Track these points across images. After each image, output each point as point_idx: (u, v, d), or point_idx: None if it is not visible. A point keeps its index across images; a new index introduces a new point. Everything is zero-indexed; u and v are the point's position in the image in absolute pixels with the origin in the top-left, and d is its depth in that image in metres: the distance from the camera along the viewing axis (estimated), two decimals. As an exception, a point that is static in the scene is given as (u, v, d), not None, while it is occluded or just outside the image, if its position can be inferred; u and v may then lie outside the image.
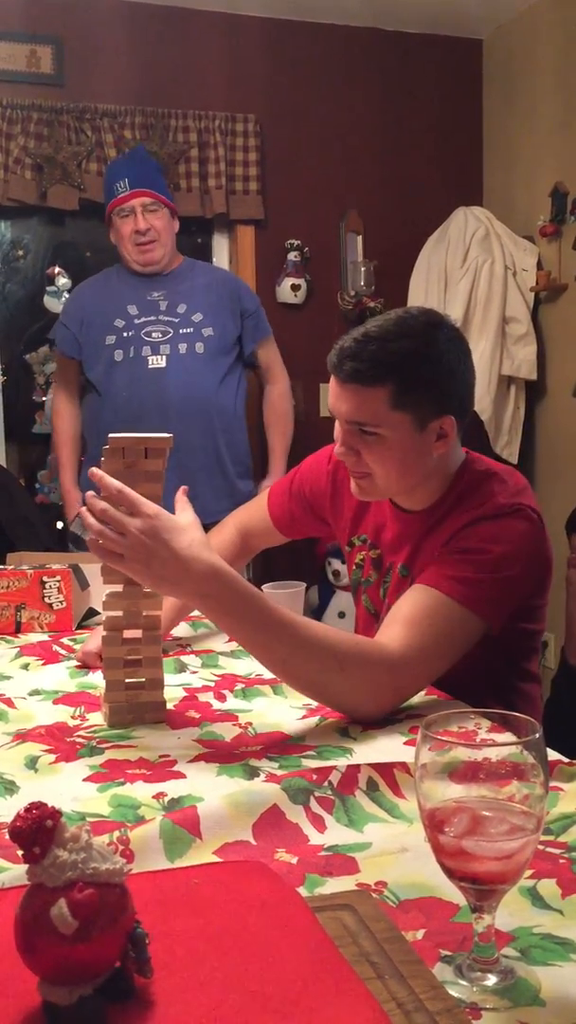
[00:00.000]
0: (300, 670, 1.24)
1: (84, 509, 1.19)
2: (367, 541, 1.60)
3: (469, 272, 3.68)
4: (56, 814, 0.59)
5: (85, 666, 1.56)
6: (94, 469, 1.21)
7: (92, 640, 1.57)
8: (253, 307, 3.03)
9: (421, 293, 3.86)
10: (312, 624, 1.25)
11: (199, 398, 2.84)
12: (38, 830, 0.58)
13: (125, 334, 2.85)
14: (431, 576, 1.34)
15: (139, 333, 2.85)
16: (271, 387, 3.14)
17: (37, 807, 0.59)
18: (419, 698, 1.34)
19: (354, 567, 1.65)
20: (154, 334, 2.85)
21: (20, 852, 0.59)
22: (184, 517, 1.20)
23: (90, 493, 1.19)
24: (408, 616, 1.30)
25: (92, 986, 0.59)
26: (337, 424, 1.42)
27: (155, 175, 2.98)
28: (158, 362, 2.82)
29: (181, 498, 1.25)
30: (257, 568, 3.21)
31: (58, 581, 1.81)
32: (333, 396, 1.40)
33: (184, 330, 2.86)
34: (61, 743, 1.21)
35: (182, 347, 2.84)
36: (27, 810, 0.59)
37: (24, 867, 0.59)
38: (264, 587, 1.81)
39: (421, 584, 1.34)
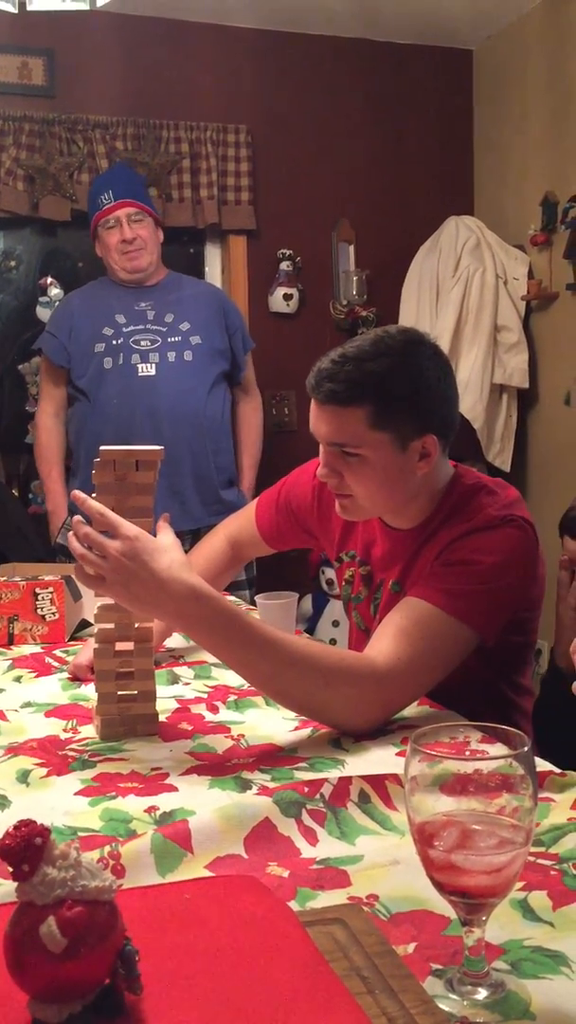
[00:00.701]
0: (286, 687, 1.23)
1: (76, 518, 1.19)
2: (356, 557, 1.60)
3: (461, 281, 3.70)
4: (45, 832, 0.59)
5: (77, 679, 1.56)
6: (77, 492, 1.21)
7: (84, 653, 1.57)
8: (239, 321, 3.07)
9: (413, 302, 3.87)
10: (296, 641, 1.25)
11: (189, 406, 2.85)
12: (27, 848, 0.58)
13: (114, 342, 2.86)
14: (422, 589, 1.34)
15: (128, 341, 2.86)
16: (245, 405, 3.15)
17: (26, 825, 0.59)
18: (411, 709, 1.34)
19: (344, 583, 1.65)
20: (143, 342, 2.86)
21: (9, 870, 0.59)
22: (164, 539, 1.20)
23: (76, 518, 1.19)
24: (398, 629, 1.30)
25: (82, 1004, 0.59)
26: (320, 446, 1.41)
27: (138, 187, 3.01)
28: (148, 370, 2.83)
29: (162, 524, 1.24)
30: (260, 572, 3.19)
31: (51, 592, 1.80)
32: (313, 418, 1.39)
33: (172, 339, 2.87)
34: (53, 756, 1.21)
35: (171, 355, 2.85)
36: (16, 828, 0.59)
37: (13, 885, 0.59)
38: (257, 598, 1.81)
39: (412, 597, 1.34)
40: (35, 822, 0.59)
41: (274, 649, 1.20)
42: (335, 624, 3.76)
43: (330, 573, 3.71)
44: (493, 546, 1.35)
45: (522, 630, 1.48)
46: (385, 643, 1.28)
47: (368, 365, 1.33)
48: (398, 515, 1.47)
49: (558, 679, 1.47)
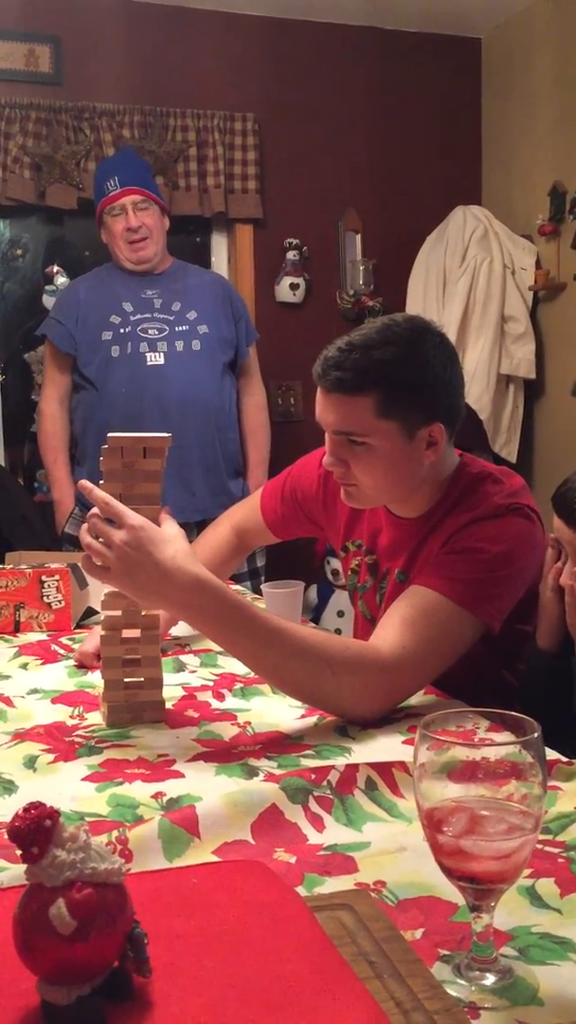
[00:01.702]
0: (291, 676, 1.23)
1: (93, 510, 1.19)
2: (362, 546, 1.59)
3: (468, 271, 3.68)
4: (55, 814, 0.59)
5: (83, 666, 1.56)
6: (83, 481, 1.21)
7: (90, 640, 1.57)
8: (244, 311, 3.07)
9: (420, 292, 3.86)
10: (301, 630, 1.25)
11: (198, 395, 2.84)
12: (36, 830, 0.58)
13: (122, 330, 2.85)
14: (428, 577, 1.33)
15: (135, 330, 2.85)
16: (249, 398, 3.12)
17: (36, 807, 0.59)
18: (418, 697, 1.34)
19: (350, 572, 1.64)
20: (151, 331, 2.85)
21: (19, 852, 0.59)
22: (169, 529, 1.19)
23: (93, 511, 1.19)
24: (403, 618, 1.29)
25: (90, 986, 0.59)
26: (326, 435, 1.41)
27: (145, 173, 2.99)
28: (156, 359, 2.83)
29: (165, 516, 1.23)
30: (269, 564, 3.18)
31: (57, 580, 1.80)
32: (320, 407, 1.39)
33: (180, 327, 2.86)
34: (60, 742, 1.21)
35: (179, 344, 2.85)
36: (25, 810, 0.59)
37: (23, 867, 0.59)
38: (263, 586, 1.81)
39: (417, 585, 1.34)
40: (44, 804, 0.60)
41: (279, 638, 1.20)
42: (340, 614, 3.76)
43: (336, 563, 3.71)
44: (498, 534, 1.35)
45: (526, 617, 1.47)
46: (391, 632, 1.28)
47: (375, 353, 1.33)
48: (404, 504, 1.47)
49: (539, 661, 1.47)
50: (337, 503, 1.59)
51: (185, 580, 1.15)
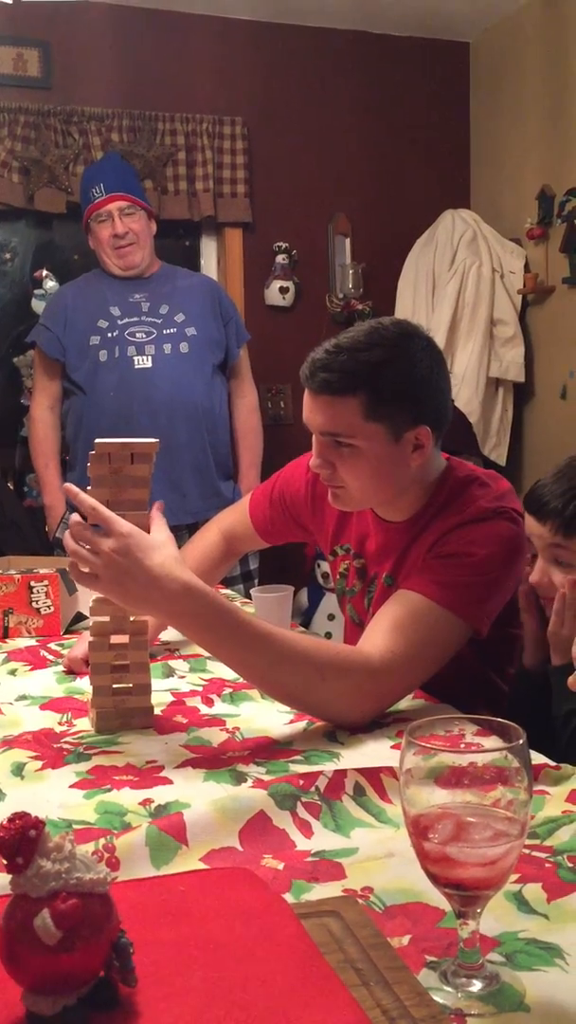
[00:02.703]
0: (281, 682, 1.23)
1: (74, 516, 1.19)
2: (350, 551, 1.59)
3: (457, 275, 3.69)
4: (39, 824, 0.59)
5: (72, 672, 1.56)
6: (68, 485, 1.21)
7: (79, 646, 1.57)
8: (233, 312, 3.05)
9: (409, 296, 3.87)
10: (290, 635, 1.25)
11: (186, 398, 2.84)
12: (21, 840, 0.58)
13: (109, 334, 2.84)
14: (415, 582, 1.34)
15: (123, 334, 2.85)
16: (240, 401, 3.11)
17: (20, 817, 0.59)
18: (406, 702, 1.34)
19: (338, 576, 1.64)
20: (138, 335, 2.85)
21: (3, 862, 0.59)
22: (158, 535, 1.19)
23: (74, 517, 1.19)
24: (391, 622, 1.29)
25: (76, 996, 0.59)
26: (314, 437, 1.41)
27: (130, 179, 2.98)
28: (144, 362, 2.83)
29: (156, 515, 1.23)
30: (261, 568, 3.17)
31: (46, 586, 1.80)
32: (307, 408, 1.39)
33: (167, 330, 2.86)
34: (48, 749, 1.21)
35: (167, 347, 2.84)
36: (10, 820, 0.59)
37: (7, 877, 0.59)
38: (252, 591, 1.81)
39: (405, 590, 1.34)
40: (29, 814, 0.59)
41: (267, 644, 1.20)
42: (331, 618, 3.76)
43: (326, 567, 3.71)
44: (485, 538, 1.35)
45: (514, 621, 1.48)
46: (379, 636, 1.28)
47: (362, 355, 1.33)
48: (390, 507, 1.47)
49: (525, 679, 1.47)
50: (325, 507, 1.59)
51: (174, 587, 1.15)
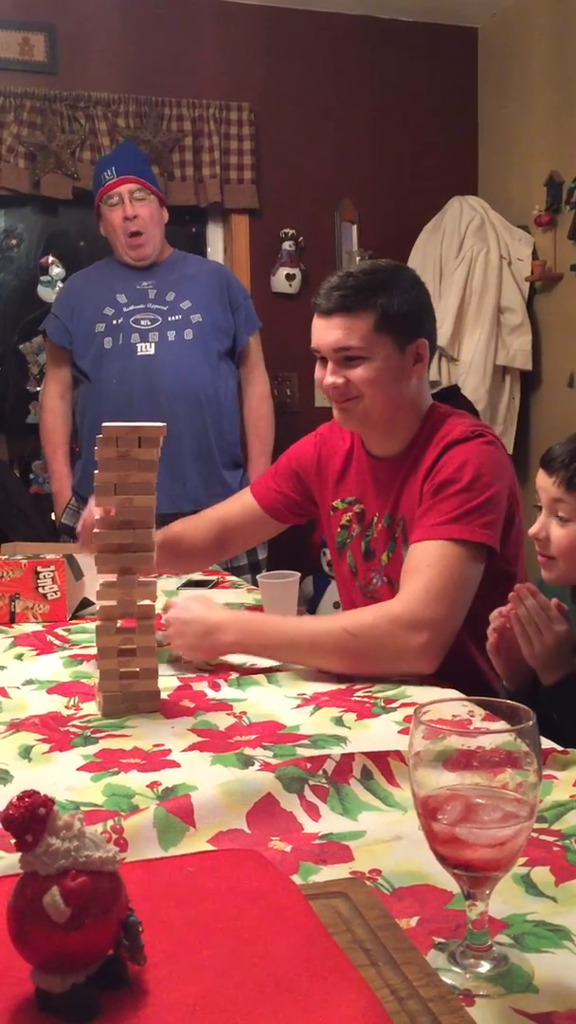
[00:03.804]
0: (339, 669, 1.42)
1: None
2: (352, 501, 1.69)
3: (464, 262, 3.68)
4: (49, 802, 0.59)
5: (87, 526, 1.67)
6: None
7: (88, 512, 1.70)
8: (243, 299, 3.01)
9: (416, 283, 3.85)
10: (324, 628, 1.44)
11: (188, 384, 2.82)
12: (31, 818, 0.58)
13: (114, 322, 2.83)
14: (419, 532, 1.47)
15: (128, 321, 2.83)
16: (251, 388, 3.08)
17: (30, 795, 0.59)
18: (414, 686, 1.34)
19: (339, 529, 1.71)
20: (143, 322, 2.83)
21: (13, 840, 0.59)
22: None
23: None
24: (406, 573, 1.44)
25: (85, 974, 0.59)
26: (319, 365, 1.58)
27: (142, 164, 2.97)
28: (147, 349, 2.81)
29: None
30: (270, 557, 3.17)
31: (52, 571, 1.80)
32: (319, 331, 1.55)
33: (172, 317, 2.84)
34: (55, 732, 1.21)
35: (171, 334, 2.82)
36: (20, 798, 0.59)
37: (17, 855, 0.59)
38: (259, 577, 1.81)
39: (413, 543, 1.47)
40: (38, 793, 0.59)
41: (310, 648, 1.43)
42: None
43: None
44: (468, 455, 1.50)
45: (508, 555, 1.56)
46: (401, 590, 1.43)
47: (369, 278, 1.55)
48: (390, 429, 1.60)
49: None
50: (327, 466, 1.73)
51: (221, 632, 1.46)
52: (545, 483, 1.42)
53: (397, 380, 1.55)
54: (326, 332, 1.55)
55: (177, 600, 1.52)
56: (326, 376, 1.56)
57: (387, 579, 1.63)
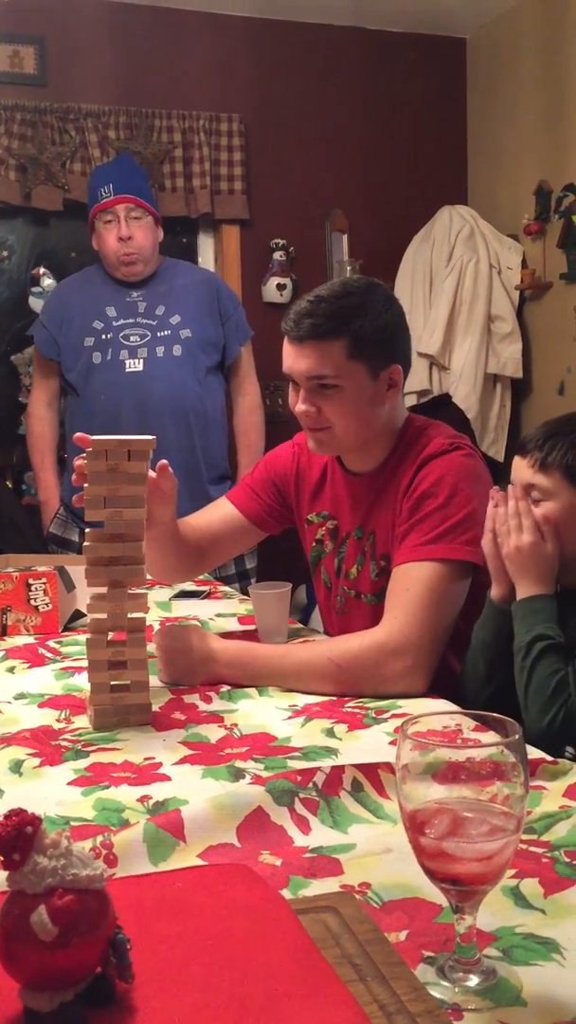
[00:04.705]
0: (327, 692, 1.40)
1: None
2: (326, 516, 1.68)
3: (454, 271, 3.69)
4: (36, 820, 0.59)
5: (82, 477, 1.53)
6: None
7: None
8: (233, 308, 2.97)
9: (407, 292, 3.86)
10: (311, 651, 1.44)
11: (176, 399, 2.80)
12: (18, 837, 0.58)
13: (103, 336, 2.81)
14: (403, 553, 1.45)
15: (117, 336, 2.81)
16: (242, 398, 3.06)
17: (17, 814, 0.59)
18: (405, 697, 1.34)
19: (314, 544, 1.71)
20: (132, 337, 2.82)
21: (0, 859, 0.59)
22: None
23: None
24: (389, 598, 1.42)
25: (73, 992, 0.59)
26: (291, 389, 1.54)
27: (141, 182, 2.93)
28: (135, 365, 2.79)
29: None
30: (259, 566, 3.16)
31: (44, 583, 1.80)
32: (291, 357, 1.51)
33: (162, 332, 2.82)
34: (46, 746, 1.21)
35: (159, 350, 2.80)
36: (7, 817, 0.59)
37: (4, 874, 0.59)
38: (250, 588, 1.81)
39: (396, 567, 1.45)
40: (25, 811, 0.59)
41: (297, 678, 1.41)
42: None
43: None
44: (446, 470, 1.48)
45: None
46: (385, 616, 1.41)
47: (341, 302, 1.48)
48: (364, 452, 1.58)
49: (492, 611, 1.46)
50: (305, 477, 1.71)
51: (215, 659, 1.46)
52: (520, 467, 1.43)
53: (370, 408, 1.51)
54: (297, 360, 1.50)
55: (169, 621, 1.53)
56: (298, 403, 1.53)
57: (355, 592, 1.63)
